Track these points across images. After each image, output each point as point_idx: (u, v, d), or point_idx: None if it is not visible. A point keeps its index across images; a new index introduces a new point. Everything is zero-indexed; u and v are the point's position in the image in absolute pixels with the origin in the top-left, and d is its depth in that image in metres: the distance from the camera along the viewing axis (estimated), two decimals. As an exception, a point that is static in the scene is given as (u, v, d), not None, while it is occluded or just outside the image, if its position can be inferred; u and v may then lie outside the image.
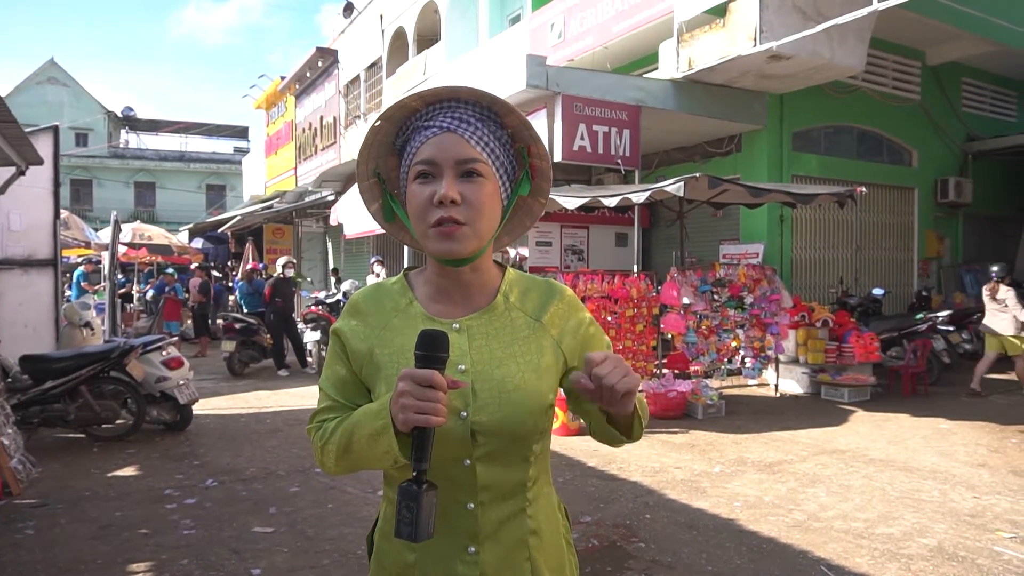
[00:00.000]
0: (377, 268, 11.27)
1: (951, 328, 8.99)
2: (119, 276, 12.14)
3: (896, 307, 11.53)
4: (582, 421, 1.39)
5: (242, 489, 4.88)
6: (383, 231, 1.32)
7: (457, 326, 1.17)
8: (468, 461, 1.12)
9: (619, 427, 1.17)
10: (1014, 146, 12.41)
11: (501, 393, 1.14)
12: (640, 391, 1.16)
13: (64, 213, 9.65)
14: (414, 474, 1.00)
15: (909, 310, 11.09)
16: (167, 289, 13.22)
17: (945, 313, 9.12)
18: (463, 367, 1.14)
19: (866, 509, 4.37)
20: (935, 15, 9.76)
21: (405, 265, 12.08)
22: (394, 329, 1.19)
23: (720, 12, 8.48)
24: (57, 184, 7.83)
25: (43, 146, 7.10)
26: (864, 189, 7.92)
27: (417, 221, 1.14)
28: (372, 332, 1.19)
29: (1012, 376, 8.59)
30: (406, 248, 10.92)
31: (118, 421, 6.24)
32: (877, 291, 10.40)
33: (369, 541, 1.30)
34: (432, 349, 1.00)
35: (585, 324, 1.27)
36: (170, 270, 13.95)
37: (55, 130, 7.83)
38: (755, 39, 8.03)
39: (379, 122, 1.19)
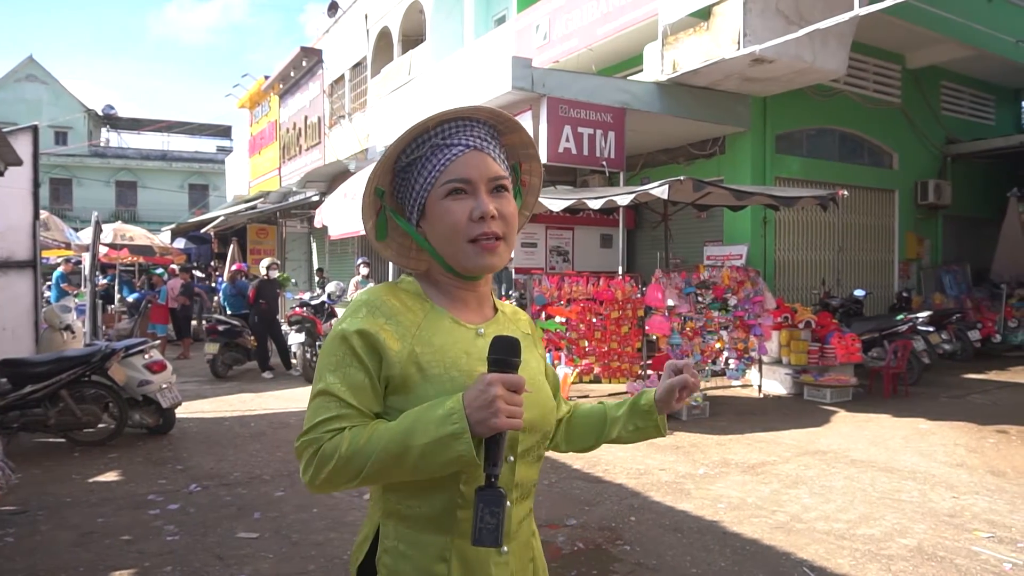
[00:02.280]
0: (363, 269, 11.23)
1: (931, 329, 9.11)
2: (99, 276, 11.98)
3: (877, 308, 11.68)
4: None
5: (226, 494, 4.85)
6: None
7: (482, 331, 1.22)
8: (512, 458, 1.16)
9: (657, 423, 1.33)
10: (992, 149, 12.62)
11: (531, 392, 1.17)
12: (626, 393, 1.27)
13: (44, 214, 9.51)
14: (491, 479, 1.02)
15: (890, 311, 11.23)
16: (154, 290, 13.09)
17: (925, 314, 9.24)
18: None
19: (848, 510, 4.42)
20: (915, 20, 9.89)
21: (390, 265, 11.90)
22: (429, 329, 1.17)
23: (704, 15, 8.54)
24: (36, 185, 7.71)
25: (22, 146, 6.99)
26: (846, 192, 8.02)
27: (452, 236, 1.15)
28: (407, 331, 1.15)
29: (990, 376, 8.74)
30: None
31: (100, 425, 6.17)
32: (859, 292, 10.53)
33: (361, 571, 1.19)
34: (510, 354, 1.05)
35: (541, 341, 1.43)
36: (160, 271, 13.83)
37: (34, 130, 7.72)
38: (738, 42, 8.09)
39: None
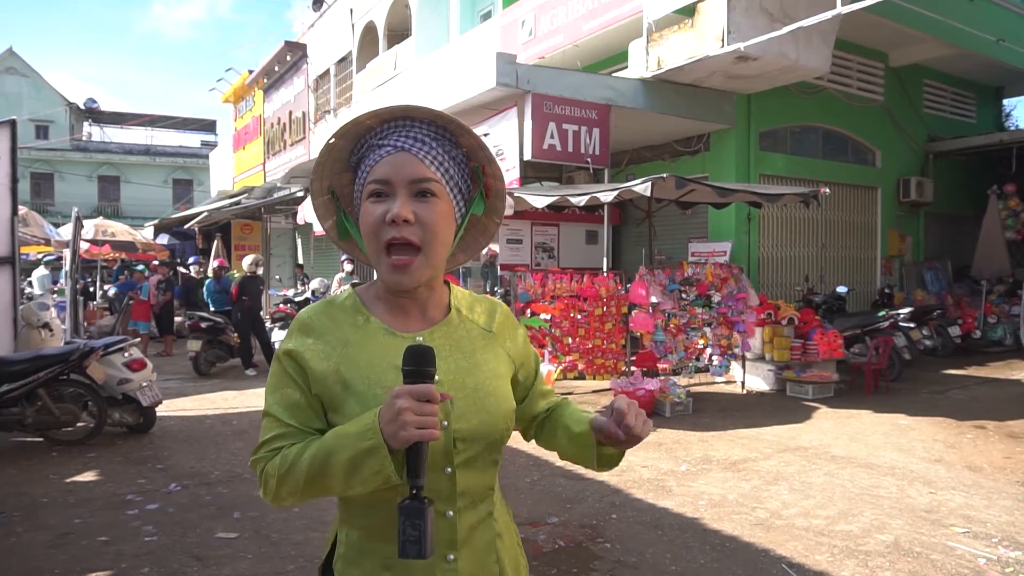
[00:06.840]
0: (347, 266, 11.18)
1: (912, 325, 9.19)
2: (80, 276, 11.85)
3: (860, 304, 11.77)
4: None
5: (206, 493, 4.81)
6: None
7: (420, 339, 1.17)
8: (449, 469, 1.13)
9: (613, 455, 1.22)
10: (973, 147, 12.75)
11: (476, 400, 1.16)
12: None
13: (23, 209, 9.37)
14: (413, 491, 1.00)
15: (872, 307, 11.31)
16: (137, 287, 12.98)
17: (907, 310, 9.32)
18: (437, 377, 1.13)
19: (827, 506, 4.46)
20: (898, 18, 9.97)
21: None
22: (356, 345, 1.16)
23: (689, 12, 8.56)
24: (15, 180, 7.59)
25: (-1, 141, 6.90)
26: (828, 190, 8.07)
27: (370, 240, 1.14)
28: (333, 350, 1.16)
29: (970, 372, 8.80)
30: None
31: (78, 424, 6.10)
32: (841, 289, 10.60)
33: (323, 572, 1.23)
34: (422, 364, 1.02)
35: (523, 335, 1.36)
36: (140, 267, 13.70)
37: (12, 124, 7.59)
38: (723, 40, 8.11)
39: (333, 139, 1.18)
